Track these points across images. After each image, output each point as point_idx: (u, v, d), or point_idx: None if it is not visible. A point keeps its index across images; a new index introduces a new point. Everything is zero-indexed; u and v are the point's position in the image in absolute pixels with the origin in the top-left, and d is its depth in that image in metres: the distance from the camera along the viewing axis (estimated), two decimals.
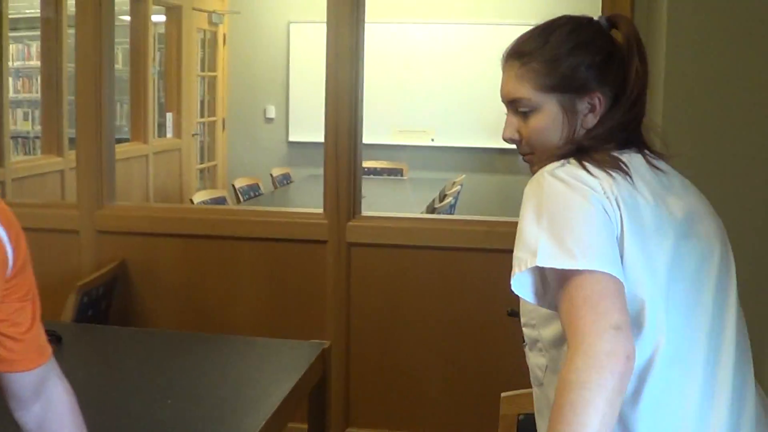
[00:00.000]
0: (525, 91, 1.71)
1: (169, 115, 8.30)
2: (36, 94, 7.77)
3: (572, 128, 1.70)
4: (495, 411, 2.27)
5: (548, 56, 1.70)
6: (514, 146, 1.79)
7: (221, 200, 6.44)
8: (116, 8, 4.35)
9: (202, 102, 9.12)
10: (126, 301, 4.17)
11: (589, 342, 1.35)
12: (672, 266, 1.56)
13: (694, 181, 1.74)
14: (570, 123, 1.69)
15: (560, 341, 1.62)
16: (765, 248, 3.15)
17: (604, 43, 1.72)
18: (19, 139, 9.31)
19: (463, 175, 8.40)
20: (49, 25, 6.44)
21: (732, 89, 3.17)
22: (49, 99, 6.51)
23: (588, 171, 1.57)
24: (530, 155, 1.77)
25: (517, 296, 1.75)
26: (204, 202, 6.15)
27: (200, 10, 8.71)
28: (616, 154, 1.64)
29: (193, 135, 8.62)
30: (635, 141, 1.71)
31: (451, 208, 7.01)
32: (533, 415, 2.21)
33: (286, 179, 8.34)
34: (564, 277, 1.43)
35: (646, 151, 1.70)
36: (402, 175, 8.59)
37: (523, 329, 1.76)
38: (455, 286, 3.93)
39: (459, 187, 7.73)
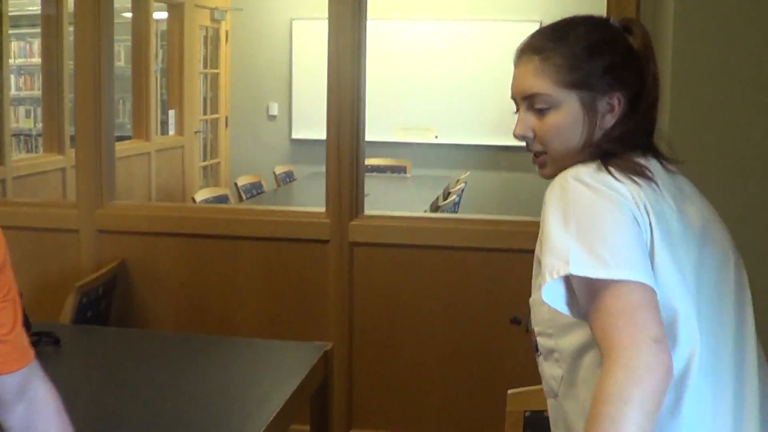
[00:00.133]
0: (545, 87, 1.65)
1: (171, 113, 8.28)
2: (38, 92, 7.75)
3: (592, 128, 1.65)
4: (501, 411, 2.26)
5: (571, 52, 1.65)
6: (519, 143, 1.74)
7: (223, 198, 6.41)
8: (118, 5, 4.32)
9: (204, 99, 9.10)
10: (126, 301, 4.14)
11: (629, 355, 1.33)
12: (698, 274, 1.55)
13: (701, 187, 1.72)
14: (590, 122, 1.65)
15: (579, 352, 1.59)
16: None
17: (624, 45, 1.68)
18: (22, 137, 9.30)
19: (468, 173, 8.37)
20: (50, 22, 6.42)
21: (740, 92, 3.13)
22: (50, 97, 6.49)
23: (614, 177, 1.54)
24: (543, 155, 1.71)
25: (526, 303, 1.73)
26: (206, 201, 6.13)
27: (202, 7, 8.69)
28: (638, 159, 1.61)
29: (195, 132, 8.60)
30: (650, 147, 1.68)
31: (455, 206, 6.99)
32: (540, 412, 2.21)
33: (289, 177, 8.32)
34: (596, 286, 1.41)
35: (661, 157, 1.67)
36: (405, 173, 8.56)
37: (537, 338, 1.70)
38: (459, 286, 3.90)
39: (463, 184, 7.70)
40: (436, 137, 9.18)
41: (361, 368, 4.00)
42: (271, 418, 2.25)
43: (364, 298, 3.97)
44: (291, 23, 9.33)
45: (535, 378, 2.21)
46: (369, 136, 4.12)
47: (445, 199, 7.21)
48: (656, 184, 1.56)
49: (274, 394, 2.41)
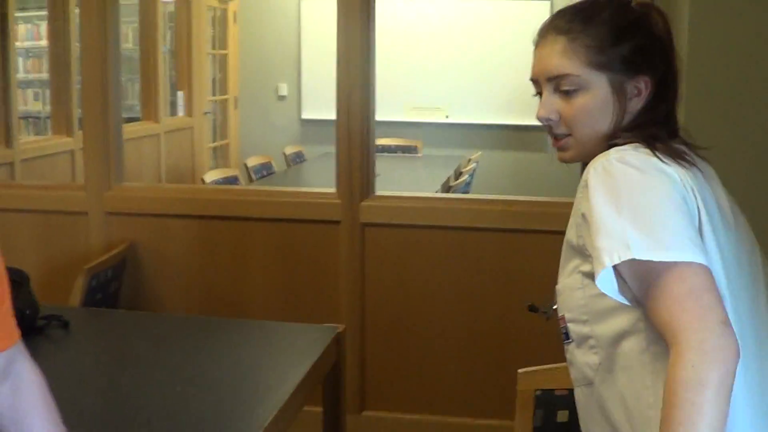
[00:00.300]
0: (574, 68, 1.62)
1: (180, 94, 8.25)
2: (46, 74, 7.73)
3: (621, 112, 1.62)
4: (513, 390, 2.24)
5: (600, 34, 1.62)
6: (530, 122, 1.71)
7: (233, 179, 6.39)
8: None
9: (213, 80, 9.08)
10: (135, 283, 4.12)
11: (701, 337, 1.31)
12: (737, 259, 1.54)
13: (718, 173, 1.70)
14: (620, 105, 1.62)
15: (618, 338, 1.55)
16: None
17: (648, 28, 1.66)
18: (30, 120, 9.29)
19: (479, 152, 8.33)
20: (56, 4, 6.38)
21: (757, 76, 3.09)
22: (58, 79, 6.47)
23: (660, 159, 1.51)
24: (567, 138, 1.68)
25: (552, 288, 1.71)
26: (216, 182, 6.10)
27: None
28: (674, 144, 1.59)
29: (204, 113, 8.58)
30: (677, 132, 1.67)
31: (467, 186, 6.95)
32: (551, 391, 2.20)
33: (299, 157, 8.29)
34: (657, 270, 1.38)
35: (689, 143, 1.65)
36: (416, 153, 8.52)
37: (569, 325, 1.66)
38: (471, 267, 3.87)
39: (474, 164, 7.66)
40: (447, 117, 9.14)
41: (374, 349, 3.98)
42: (284, 400, 2.23)
43: (375, 279, 3.95)
44: (299, 2, 9.30)
45: (547, 358, 2.20)
46: (379, 115, 4.09)
47: (456, 179, 7.17)
48: (698, 168, 1.55)
49: (287, 377, 2.38)
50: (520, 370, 2.25)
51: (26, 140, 6.82)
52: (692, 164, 1.55)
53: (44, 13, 7.08)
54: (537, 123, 1.71)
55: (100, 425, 2.11)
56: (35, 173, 5.95)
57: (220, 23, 9.14)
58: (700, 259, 1.38)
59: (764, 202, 3.02)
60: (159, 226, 4.12)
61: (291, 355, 2.62)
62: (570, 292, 1.63)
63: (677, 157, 1.54)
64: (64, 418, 1.59)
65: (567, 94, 1.64)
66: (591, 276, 1.55)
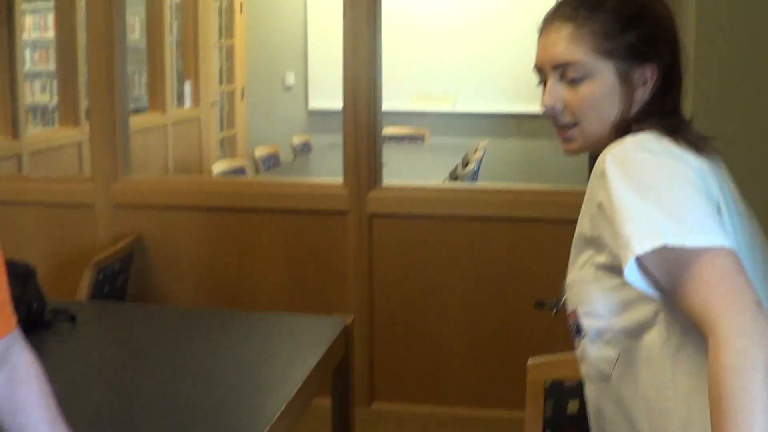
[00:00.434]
0: (580, 55, 1.60)
1: (187, 84, 8.24)
2: (53, 66, 7.73)
3: (629, 101, 1.60)
4: (523, 381, 2.24)
5: (607, 21, 1.60)
6: (539, 111, 1.67)
7: (240, 170, 6.37)
8: None
9: (220, 71, 9.06)
10: (143, 276, 4.12)
11: (740, 321, 1.26)
12: (752, 252, 1.51)
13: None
14: (627, 93, 1.60)
15: (639, 330, 1.52)
16: None
17: (654, 17, 1.64)
18: (38, 111, 9.30)
19: (486, 140, 8.31)
20: None
21: (765, 73, 3.07)
22: (65, 70, 6.46)
23: (678, 146, 1.50)
24: (572, 128, 1.65)
25: (561, 283, 1.68)
26: (223, 173, 6.09)
27: None
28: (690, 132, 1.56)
29: (212, 104, 8.57)
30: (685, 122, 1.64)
31: (475, 175, 6.93)
32: (560, 381, 2.18)
33: (306, 147, 8.27)
34: (686, 256, 1.34)
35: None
36: (423, 141, 8.49)
37: (582, 320, 1.61)
38: (479, 256, 3.86)
39: (482, 152, 7.64)
40: (454, 105, 9.11)
41: (382, 341, 3.97)
42: (293, 392, 2.22)
43: (383, 270, 3.94)
44: None
45: (557, 348, 2.18)
46: (386, 105, 4.07)
47: (464, 167, 7.15)
48: (713, 158, 1.53)
49: (295, 369, 2.37)
50: (529, 361, 2.25)
51: (34, 132, 6.82)
52: (709, 153, 1.53)
53: (51, 4, 7.09)
54: None
55: (108, 419, 2.11)
56: (42, 165, 5.95)
57: (227, 13, 9.12)
58: (727, 242, 1.34)
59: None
60: (166, 218, 4.11)
61: (299, 348, 2.62)
62: (583, 285, 1.60)
63: (694, 144, 1.52)
64: (70, 412, 1.58)
65: (573, 82, 1.62)
66: (606, 268, 1.53)
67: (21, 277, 2.65)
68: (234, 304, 3.98)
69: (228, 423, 2.08)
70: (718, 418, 1.23)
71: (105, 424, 2.07)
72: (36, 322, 2.64)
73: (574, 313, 1.63)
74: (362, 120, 3.90)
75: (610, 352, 1.57)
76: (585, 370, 1.66)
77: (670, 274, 1.37)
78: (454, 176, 6.68)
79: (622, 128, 1.59)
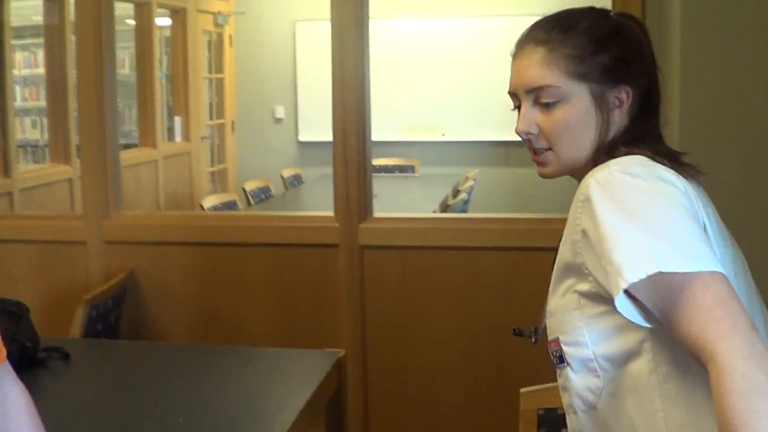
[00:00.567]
0: (554, 79, 1.58)
1: (177, 119, 8.26)
2: (44, 102, 7.75)
3: (605, 123, 1.58)
4: (516, 410, 2.25)
5: (580, 43, 1.58)
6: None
7: (232, 204, 6.39)
8: (121, 12, 4.30)
9: (210, 104, 9.10)
10: (136, 312, 4.11)
11: (740, 344, 1.23)
12: (735, 275, 1.48)
13: (713, 187, 1.66)
14: (602, 116, 1.58)
15: (624, 359, 1.49)
16: None
17: (628, 37, 1.62)
18: (29, 148, 9.30)
19: (476, 170, 8.34)
20: (53, 32, 6.42)
21: (752, 88, 3.08)
22: (55, 107, 6.50)
23: (663, 168, 1.47)
24: (546, 152, 1.64)
25: (540, 310, 1.69)
26: (214, 207, 6.11)
27: (205, 12, 8.67)
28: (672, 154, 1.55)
29: (202, 138, 8.59)
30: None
31: (465, 204, 6.95)
32: (554, 409, 2.19)
33: (297, 180, 8.30)
34: (680, 281, 1.30)
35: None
36: (414, 172, 8.53)
37: (564, 348, 1.57)
38: (472, 287, 3.86)
39: (472, 182, 7.67)
40: (444, 135, 9.14)
41: (375, 374, 3.96)
42: (287, 427, 2.21)
43: (375, 302, 3.93)
44: (294, 25, 9.32)
45: (549, 377, 2.18)
46: (375, 135, 4.08)
47: (454, 197, 7.17)
48: (694, 178, 1.51)
49: (289, 404, 2.37)
50: (522, 390, 2.25)
51: (25, 169, 6.84)
52: (694, 173, 1.52)
53: (41, 40, 7.12)
54: None
55: None
56: (34, 202, 5.96)
57: (216, 47, 9.17)
58: (719, 266, 1.32)
59: (758, 211, 3.01)
60: (158, 253, 4.11)
61: (292, 382, 2.61)
62: (565, 314, 1.56)
63: (679, 167, 1.50)
64: None
65: (547, 107, 1.60)
66: (590, 296, 1.50)
67: (14, 315, 2.65)
68: (227, 337, 3.97)
69: None
70: None
71: None
72: (30, 360, 2.64)
73: (557, 341, 1.60)
74: (352, 151, 3.91)
75: (596, 381, 1.54)
76: (567, 400, 1.62)
77: (663, 300, 1.33)
78: (444, 206, 6.69)
79: (602, 151, 1.58)
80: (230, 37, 9.30)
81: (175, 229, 4.15)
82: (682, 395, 1.44)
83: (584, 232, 1.45)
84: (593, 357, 1.53)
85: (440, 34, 9.01)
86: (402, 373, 3.94)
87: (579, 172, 1.60)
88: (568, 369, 1.58)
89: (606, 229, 1.37)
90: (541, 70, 1.59)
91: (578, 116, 1.58)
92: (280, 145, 9.51)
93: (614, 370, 1.51)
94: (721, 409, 1.21)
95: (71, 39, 6.13)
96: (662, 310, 1.34)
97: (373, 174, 4.07)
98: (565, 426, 2.16)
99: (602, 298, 1.46)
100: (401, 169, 8.52)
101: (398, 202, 6.46)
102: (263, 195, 7.22)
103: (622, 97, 1.59)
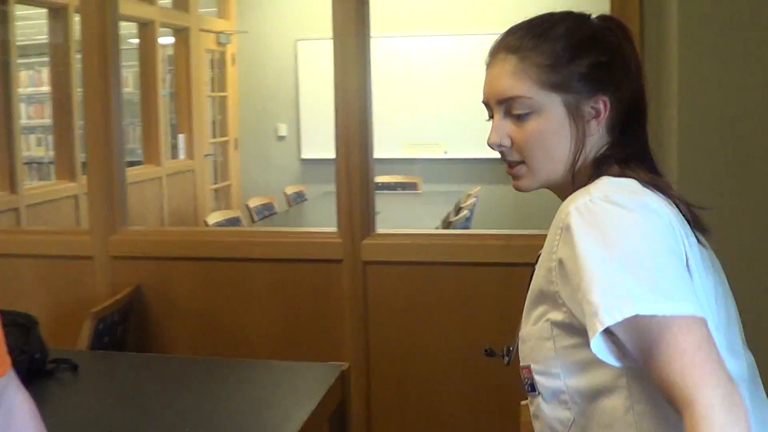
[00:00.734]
0: (525, 89, 1.50)
1: (181, 137, 8.30)
2: (49, 120, 7.80)
3: (580, 135, 1.50)
4: (517, 423, 2.25)
5: (553, 50, 1.50)
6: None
7: (235, 221, 6.42)
8: (125, 32, 4.34)
9: (213, 122, 9.13)
10: (142, 326, 4.15)
11: (720, 393, 1.19)
12: (717, 303, 1.44)
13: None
14: (577, 128, 1.50)
15: (596, 394, 1.43)
16: None
17: (608, 43, 1.53)
18: (34, 165, 9.35)
19: (478, 187, 8.36)
20: (58, 51, 6.46)
21: (750, 90, 3.09)
22: (61, 124, 6.53)
23: (648, 194, 1.40)
24: (520, 165, 1.56)
25: (514, 333, 1.62)
26: (218, 224, 6.14)
27: (208, 31, 8.72)
28: (658, 177, 1.48)
29: (205, 156, 8.62)
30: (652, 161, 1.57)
31: (467, 221, 6.97)
32: None
33: (300, 197, 8.33)
34: (660, 323, 1.24)
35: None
36: (416, 189, 8.55)
37: (536, 377, 1.52)
38: (474, 302, 3.88)
39: (474, 199, 7.68)
40: (446, 152, 9.17)
41: (379, 387, 3.98)
42: None
43: (378, 317, 3.96)
44: (296, 44, 9.37)
45: None
46: (377, 153, 4.12)
47: (456, 214, 7.19)
48: (678, 202, 1.44)
49: (292, 416, 2.39)
50: (523, 402, 2.26)
51: (30, 186, 6.88)
52: (677, 199, 1.44)
53: (45, 59, 7.17)
54: None
55: None
56: (40, 218, 6.00)
57: (219, 66, 9.22)
58: (700, 311, 1.25)
59: (759, 212, 3.02)
60: (164, 269, 4.15)
61: (296, 395, 2.63)
62: (538, 342, 1.50)
63: (662, 191, 1.43)
64: None
65: (519, 118, 1.53)
66: (563, 326, 1.44)
67: (24, 327, 2.68)
68: (231, 351, 4.00)
69: None
70: None
71: None
72: (38, 371, 2.67)
73: (528, 369, 1.54)
74: (355, 168, 3.95)
75: (566, 414, 1.47)
76: (539, 428, 1.57)
77: (640, 340, 1.27)
78: (446, 223, 6.71)
79: (588, 167, 1.52)
80: (233, 55, 9.34)
81: (181, 244, 4.19)
82: None
83: (561, 262, 1.39)
84: (565, 389, 1.47)
85: (442, 52, 9.05)
86: (405, 386, 3.96)
87: (557, 186, 1.57)
88: (540, 398, 1.52)
89: (584, 263, 1.30)
90: (511, 80, 1.52)
91: (551, 128, 1.50)
92: (282, 163, 9.54)
93: (585, 404, 1.45)
94: None
95: (77, 57, 6.17)
96: (640, 350, 1.28)
97: (376, 191, 4.10)
98: None
99: (576, 330, 1.41)
100: (403, 186, 8.55)
101: (400, 219, 6.48)
102: (267, 212, 7.25)
103: (599, 107, 1.51)
